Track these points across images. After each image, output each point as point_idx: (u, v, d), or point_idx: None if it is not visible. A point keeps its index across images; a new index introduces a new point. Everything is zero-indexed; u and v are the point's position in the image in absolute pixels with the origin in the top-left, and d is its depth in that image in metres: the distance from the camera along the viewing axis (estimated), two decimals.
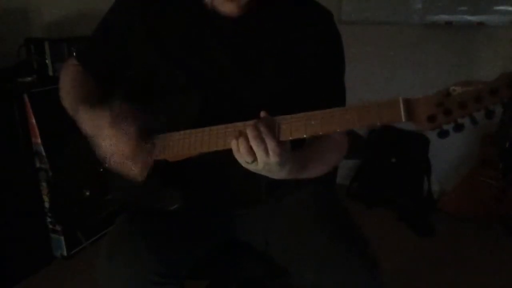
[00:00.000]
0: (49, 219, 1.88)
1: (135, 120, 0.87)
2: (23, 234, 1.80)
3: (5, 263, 1.73)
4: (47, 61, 1.87)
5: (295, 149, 0.82)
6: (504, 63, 2.27)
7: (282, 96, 0.92)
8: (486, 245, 2.13)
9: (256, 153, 0.75)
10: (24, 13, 2.05)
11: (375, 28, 2.50)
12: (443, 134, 0.66)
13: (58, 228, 1.89)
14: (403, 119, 0.67)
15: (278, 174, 0.80)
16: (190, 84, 0.94)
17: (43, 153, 1.78)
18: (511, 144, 2.18)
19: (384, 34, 2.50)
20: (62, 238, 1.90)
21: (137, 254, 0.85)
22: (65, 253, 1.93)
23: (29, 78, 1.79)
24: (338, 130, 0.73)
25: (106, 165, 0.91)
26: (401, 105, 0.67)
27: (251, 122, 0.76)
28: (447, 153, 2.48)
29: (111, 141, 0.86)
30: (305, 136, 0.75)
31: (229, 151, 0.78)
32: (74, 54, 1.12)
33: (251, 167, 0.78)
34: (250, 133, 0.74)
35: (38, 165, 1.81)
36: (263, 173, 0.80)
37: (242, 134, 0.75)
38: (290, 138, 0.76)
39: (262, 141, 0.74)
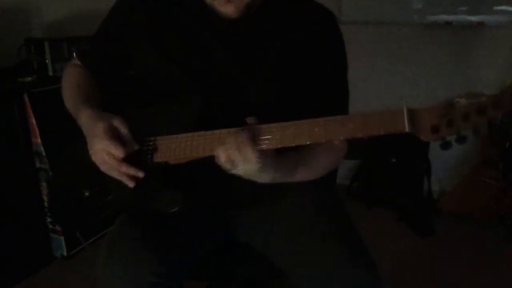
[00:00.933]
0: (49, 219, 1.88)
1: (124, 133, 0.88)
2: (23, 234, 1.80)
3: (5, 263, 1.73)
4: (47, 61, 1.87)
5: (282, 154, 0.83)
6: (504, 63, 2.28)
7: (283, 98, 0.92)
8: (486, 245, 2.13)
9: (235, 161, 0.76)
10: (24, 13, 2.04)
11: (375, 28, 2.50)
12: (445, 146, 0.67)
13: (58, 228, 1.89)
14: (407, 129, 0.67)
15: (261, 179, 0.82)
16: (191, 85, 0.94)
17: (43, 153, 1.78)
18: (511, 144, 2.18)
19: (384, 34, 2.50)
20: (62, 238, 1.90)
21: (137, 255, 0.85)
22: (65, 253, 1.93)
23: (29, 78, 1.79)
24: (341, 138, 0.73)
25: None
26: (405, 115, 0.67)
27: (232, 130, 0.78)
28: (447, 153, 2.46)
29: (97, 151, 0.88)
30: (293, 144, 0.76)
31: None
32: (74, 54, 1.12)
33: (232, 172, 0.80)
34: (228, 142, 0.77)
35: (38, 165, 1.81)
36: (245, 177, 0.81)
37: (223, 142, 0.77)
38: (280, 146, 0.76)
39: (240, 150, 0.75)
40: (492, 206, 2.20)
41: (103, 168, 0.90)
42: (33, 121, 1.74)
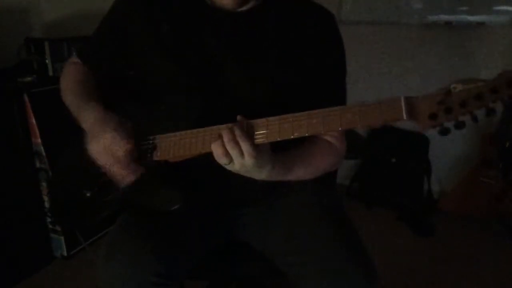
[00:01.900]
0: (49, 219, 1.88)
1: (122, 128, 0.89)
2: (23, 234, 1.80)
3: (5, 263, 1.73)
4: (47, 61, 1.87)
5: (280, 152, 0.83)
6: (504, 63, 2.27)
7: (282, 95, 0.92)
8: (486, 245, 2.13)
9: (231, 155, 0.77)
10: (24, 13, 2.04)
11: (375, 28, 2.50)
12: (444, 131, 0.67)
13: (58, 228, 1.89)
14: (405, 117, 0.67)
15: (258, 175, 0.83)
16: (190, 83, 0.94)
17: (43, 153, 1.78)
18: (511, 144, 2.18)
19: (384, 34, 2.50)
20: (62, 238, 1.90)
21: (137, 255, 0.85)
22: (65, 253, 1.93)
23: (29, 78, 1.79)
24: (340, 129, 0.73)
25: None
26: (403, 104, 0.67)
27: (227, 125, 0.79)
28: (447, 153, 2.48)
29: (99, 144, 0.88)
30: (292, 137, 0.76)
31: None
32: (74, 53, 1.12)
33: (229, 168, 0.80)
34: (224, 136, 0.77)
35: (38, 165, 1.81)
36: (243, 174, 0.82)
37: (219, 137, 0.78)
38: (278, 139, 0.77)
39: (236, 143, 0.76)
40: (492, 206, 2.20)
41: (104, 160, 0.90)
42: (33, 121, 1.74)
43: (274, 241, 0.98)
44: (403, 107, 0.67)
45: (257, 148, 0.77)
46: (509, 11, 2.21)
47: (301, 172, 0.92)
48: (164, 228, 0.92)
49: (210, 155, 0.81)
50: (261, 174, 0.83)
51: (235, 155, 0.77)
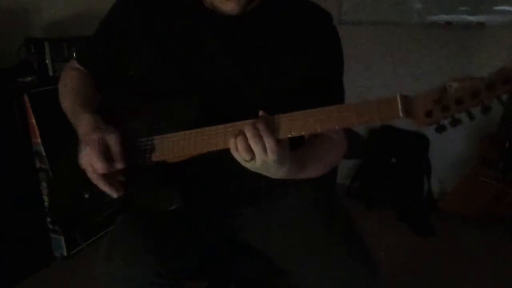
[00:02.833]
0: (49, 219, 1.88)
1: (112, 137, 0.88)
2: (23, 234, 1.80)
3: (5, 263, 1.73)
4: (47, 61, 1.87)
5: (293, 149, 0.82)
6: (504, 63, 2.27)
7: (281, 96, 0.93)
8: (486, 245, 2.13)
9: (254, 151, 0.75)
10: (24, 13, 2.04)
11: (375, 28, 2.50)
12: (440, 129, 0.67)
13: (58, 228, 1.89)
14: (401, 115, 0.68)
15: (276, 173, 0.81)
16: (189, 84, 0.94)
17: (43, 153, 1.78)
18: (511, 144, 2.18)
19: (384, 34, 2.50)
20: (62, 238, 1.90)
21: (137, 255, 0.85)
22: (65, 253, 1.93)
23: (29, 78, 1.79)
24: (337, 127, 0.73)
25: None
26: (399, 102, 0.68)
27: (250, 121, 0.77)
28: (447, 153, 2.48)
29: (84, 157, 0.88)
30: (303, 133, 0.76)
31: (228, 150, 0.78)
32: (74, 54, 1.12)
33: (249, 166, 0.78)
34: (248, 131, 0.75)
35: (38, 165, 1.81)
36: (262, 171, 0.80)
37: (240, 133, 0.76)
38: (289, 135, 0.76)
39: (260, 139, 0.74)
40: (492, 206, 2.20)
41: (88, 175, 0.90)
42: (33, 121, 1.74)
43: (275, 241, 0.98)
44: (399, 105, 0.67)
45: (279, 144, 0.76)
46: (509, 11, 2.21)
47: (313, 169, 0.91)
48: (164, 228, 0.92)
49: (209, 155, 0.81)
50: (280, 172, 0.81)
51: (259, 151, 0.75)
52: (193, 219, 0.99)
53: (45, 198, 1.84)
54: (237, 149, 0.76)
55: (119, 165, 0.87)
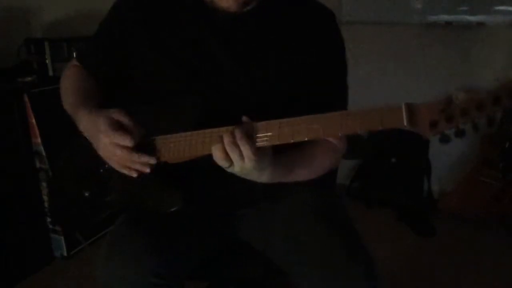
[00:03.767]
0: (49, 219, 1.88)
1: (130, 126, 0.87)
2: (23, 234, 1.80)
3: (5, 263, 1.73)
4: (47, 61, 1.87)
5: (281, 153, 0.83)
6: (504, 63, 2.27)
7: (283, 96, 0.92)
8: (486, 245, 2.13)
9: (231, 158, 0.77)
10: (24, 13, 2.04)
11: (375, 28, 2.50)
12: (444, 139, 0.67)
13: (58, 228, 1.89)
14: (405, 124, 0.67)
15: (259, 178, 0.83)
16: (190, 84, 0.94)
17: (43, 153, 1.78)
18: (511, 144, 2.18)
19: (384, 34, 2.50)
20: (62, 238, 1.90)
21: (137, 255, 0.85)
22: (65, 253, 1.93)
23: (29, 78, 1.79)
24: (340, 135, 0.73)
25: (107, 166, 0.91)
26: (404, 111, 0.67)
27: (230, 128, 0.78)
28: (447, 153, 2.48)
29: (105, 146, 0.87)
30: (292, 141, 0.76)
31: None
32: (75, 54, 1.12)
33: (229, 170, 0.80)
34: (225, 139, 0.77)
35: (38, 165, 1.81)
36: (244, 176, 0.81)
37: (220, 140, 0.77)
38: (278, 143, 0.77)
39: (236, 146, 0.76)
40: (492, 206, 2.20)
41: (113, 163, 0.89)
42: (33, 121, 1.74)
43: (275, 241, 0.98)
44: (404, 114, 0.67)
45: (257, 151, 0.77)
46: (509, 11, 2.21)
47: (301, 174, 0.92)
48: (164, 229, 0.92)
49: (210, 156, 0.81)
50: (262, 177, 0.83)
51: (235, 158, 0.77)
52: (193, 219, 0.99)
53: (45, 198, 1.84)
54: (216, 155, 0.78)
55: (141, 131, 0.87)
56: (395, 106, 0.68)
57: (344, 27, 1.00)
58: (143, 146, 0.91)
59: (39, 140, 1.77)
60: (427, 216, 2.34)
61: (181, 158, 0.87)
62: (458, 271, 1.92)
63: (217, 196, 1.00)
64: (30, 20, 2.07)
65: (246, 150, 0.76)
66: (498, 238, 2.17)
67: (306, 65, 0.94)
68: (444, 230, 2.25)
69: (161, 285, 0.85)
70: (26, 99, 1.72)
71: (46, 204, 1.84)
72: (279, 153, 0.83)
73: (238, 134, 0.76)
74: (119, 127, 0.86)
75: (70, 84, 1.04)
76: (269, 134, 0.77)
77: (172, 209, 0.87)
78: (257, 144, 0.77)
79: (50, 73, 1.88)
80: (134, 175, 0.88)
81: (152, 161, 0.87)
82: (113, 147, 0.86)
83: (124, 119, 0.87)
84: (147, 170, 0.87)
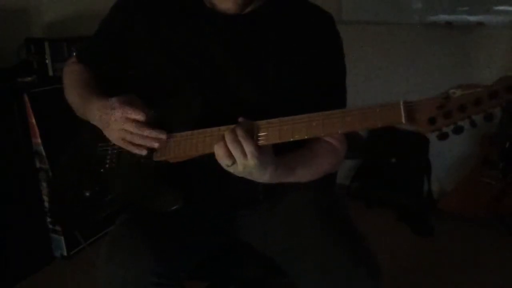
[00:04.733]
0: (49, 219, 1.88)
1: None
2: (23, 234, 1.80)
3: (5, 263, 1.73)
4: (47, 61, 1.87)
5: (282, 153, 0.83)
6: (504, 63, 2.27)
7: (281, 96, 0.93)
8: (486, 245, 2.13)
9: (234, 156, 0.77)
10: (24, 13, 2.04)
11: (375, 28, 2.50)
12: (442, 136, 0.67)
13: (58, 228, 1.89)
14: (404, 121, 0.68)
15: (261, 177, 0.82)
16: (190, 84, 0.94)
17: (43, 153, 1.78)
18: (511, 144, 2.18)
19: (384, 34, 2.50)
20: (62, 238, 1.90)
21: (137, 255, 0.85)
22: (65, 253, 1.93)
23: (29, 78, 1.79)
24: (339, 132, 0.74)
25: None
26: (402, 108, 0.68)
27: (231, 126, 0.78)
28: (447, 153, 2.48)
29: (117, 126, 0.88)
30: (291, 139, 0.76)
31: None
32: (75, 53, 1.12)
33: (231, 170, 0.80)
34: (227, 137, 0.77)
35: (38, 165, 1.81)
36: (246, 176, 0.81)
37: (222, 138, 0.77)
38: (278, 141, 0.77)
39: (238, 143, 0.76)
40: (492, 206, 2.20)
41: (122, 141, 0.89)
42: (33, 121, 1.74)
43: (275, 241, 0.98)
44: (402, 111, 0.68)
45: (259, 149, 0.77)
46: (509, 11, 2.21)
47: (303, 174, 0.92)
48: (164, 228, 0.92)
49: (210, 156, 0.81)
50: (264, 176, 0.82)
51: (238, 155, 0.77)
52: (194, 219, 0.99)
53: (45, 198, 1.84)
54: (218, 154, 0.78)
55: (151, 112, 0.89)
56: (394, 104, 0.69)
57: (344, 27, 1.00)
58: None
59: (39, 140, 1.77)
60: (427, 216, 2.34)
61: (181, 157, 0.88)
62: (458, 271, 1.92)
63: (217, 196, 1.01)
64: (30, 20, 2.07)
65: (248, 146, 0.76)
66: (498, 238, 2.17)
67: (305, 66, 0.94)
68: (444, 230, 2.25)
69: (161, 284, 0.85)
70: (26, 99, 1.72)
71: (46, 204, 1.84)
72: (280, 154, 0.83)
73: (239, 131, 0.77)
74: (131, 103, 0.88)
75: (75, 77, 1.05)
76: (270, 132, 0.77)
77: (173, 208, 0.87)
78: (258, 142, 0.77)
79: (50, 73, 1.88)
80: (144, 152, 0.89)
81: (163, 135, 0.87)
82: (124, 121, 0.87)
83: (136, 99, 0.89)
84: (156, 145, 0.88)
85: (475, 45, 2.34)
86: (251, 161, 0.77)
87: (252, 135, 0.77)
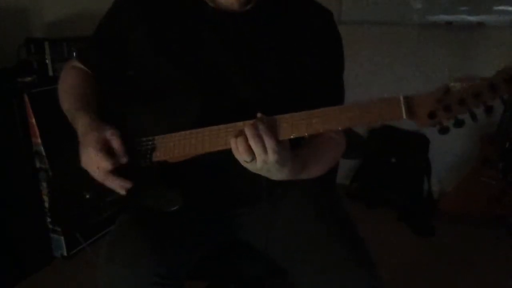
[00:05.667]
0: (49, 219, 1.88)
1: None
2: (23, 234, 1.80)
3: (5, 263, 1.73)
4: (47, 61, 1.87)
5: (294, 149, 0.82)
6: (504, 63, 2.27)
7: (281, 94, 0.93)
8: (486, 245, 2.13)
9: (255, 152, 0.75)
10: (24, 13, 2.04)
11: (375, 28, 2.50)
12: (443, 130, 0.67)
13: (58, 228, 1.89)
14: (404, 116, 0.68)
15: (278, 174, 0.80)
16: (190, 83, 0.94)
17: (43, 153, 1.78)
18: (511, 144, 2.18)
19: (384, 34, 2.50)
20: (62, 238, 1.90)
21: (137, 255, 0.85)
22: (65, 253, 1.93)
23: (29, 78, 1.78)
24: (339, 128, 0.73)
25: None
26: (402, 103, 0.67)
27: (250, 121, 0.77)
28: (447, 153, 2.48)
29: (90, 157, 0.88)
30: (306, 134, 0.75)
31: (229, 150, 0.78)
32: (75, 54, 1.12)
33: (250, 167, 0.78)
34: (248, 132, 0.75)
35: (38, 165, 1.81)
36: (263, 173, 0.79)
37: (241, 133, 0.76)
38: (291, 136, 0.76)
39: (260, 139, 0.74)
40: (492, 206, 2.20)
41: (94, 176, 0.90)
42: (33, 121, 1.74)
43: (275, 241, 0.98)
44: (403, 107, 0.67)
45: (280, 144, 0.75)
46: (509, 11, 2.21)
47: (314, 169, 0.91)
48: (164, 228, 0.92)
49: (210, 155, 0.81)
50: (281, 173, 0.80)
51: (258, 151, 0.74)
52: (194, 219, 0.99)
53: (45, 198, 1.84)
54: (238, 149, 0.76)
55: (122, 160, 0.88)
56: (394, 99, 0.68)
57: (344, 27, 1.00)
58: (140, 146, 0.92)
59: (39, 140, 1.77)
60: (427, 216, 2.35)
61: (181, 157, 0.87)
62: (458, 271, 1.92)
63: (218, 195, 1.00)
64: (30, 20, 2.07)
65: (270, 142, 0.74)
66: (498, 238, 2.17)
67: (304, 64, 0.94)
68: (444, 230, 2.25)
69: (161, 284, 0.85)
70: (26, 99, 1.72)
71: (46, 204, 1.84)
72: (292, 149, 0.82)
73: (261, 126, 0.75)
74: (106, 147, 0.87)
75: (69, 86, 1.04)
76: (293, 127, 0.75)
77: (173, 208, 0.87)
78: (279, 137, 0.76)
79: (50, 73, 1.88)
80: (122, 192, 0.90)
81: (127, 185, 0.88)
82: (91, 165, 0.88)
83: (115, 141, 0.88)
84: (122, 192, 0.88)
85: (475, 45, 2.34)
86: (271, 156, 0.75)
87: (274, 130, 0.76)
